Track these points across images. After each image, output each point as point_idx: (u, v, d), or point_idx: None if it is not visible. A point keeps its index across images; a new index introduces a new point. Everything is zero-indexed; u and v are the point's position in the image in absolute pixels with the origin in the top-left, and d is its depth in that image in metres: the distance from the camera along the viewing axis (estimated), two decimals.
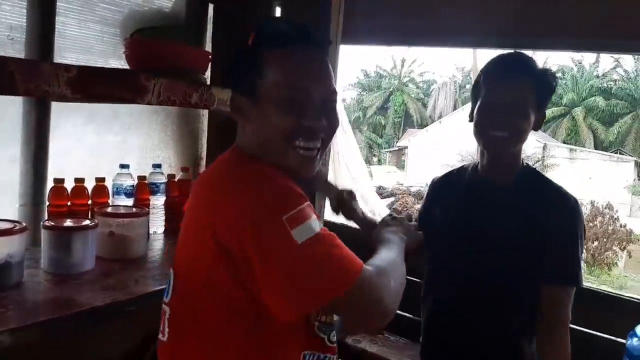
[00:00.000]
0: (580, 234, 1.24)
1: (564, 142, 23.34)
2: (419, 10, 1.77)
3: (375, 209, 2.67)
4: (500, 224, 1.24)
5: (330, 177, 2.08)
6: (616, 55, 24.72)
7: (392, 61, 31.18)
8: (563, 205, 1.24)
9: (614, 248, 11.03)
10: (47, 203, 1.41)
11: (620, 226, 11.61)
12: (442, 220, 1.33)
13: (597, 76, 26.67)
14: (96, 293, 1.14)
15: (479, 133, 1.24)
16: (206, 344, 0.82)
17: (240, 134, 0.94)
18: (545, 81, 1.24)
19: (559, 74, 27.88)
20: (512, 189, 1.26)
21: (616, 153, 22.46)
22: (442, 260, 1.32)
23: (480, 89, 1.24)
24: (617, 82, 26.12)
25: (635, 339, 1.72)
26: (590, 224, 11.64)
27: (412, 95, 29.38)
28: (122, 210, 1.42)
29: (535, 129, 1.25)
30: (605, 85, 26.11)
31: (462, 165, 1.44)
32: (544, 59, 20.84)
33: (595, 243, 11.04)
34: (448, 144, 17.37)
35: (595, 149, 23.16)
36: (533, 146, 17.60)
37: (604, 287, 2.59)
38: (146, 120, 1.76)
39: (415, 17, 1.78)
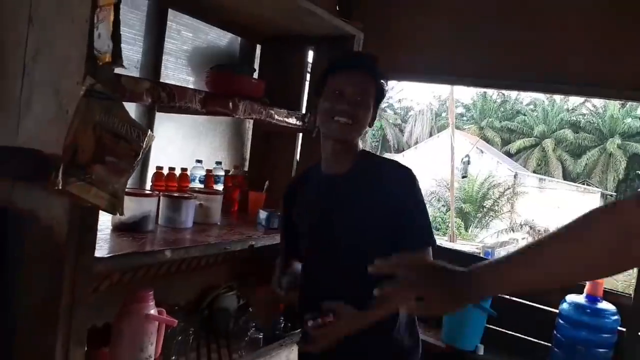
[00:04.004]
0: (421, 198, 1.38)
1: (534, 172, 24.26)
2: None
3: None
4: (348, 209, 1.38)
5: None
6: None
7: None
8: (404, 177, 1.37)
9: None
10: (150, 184, 2.00)
11: None
12: (301, 216, 1.48)
13: (567, 110, 27.93)
14: (197, 237, 1.73)
15: (326, 120, 1.37)
16: None
17: None
18: (383, 82, 1.41)
19: (531, 106, 29.32)
20: (352, 176, 1.40)
21: (583, 184, 23.56)
22: (307, 250, 1.47)
23: (327, 78, 1.39)
24: (585, 116, 27.38)
25: (565, 304, 2.37)
26: None
27: (390, 121, 30.28)
28: (206, 190, 2.03)
29: (371, 125, 1.43)
30: (575, 118, 27.30)
31: (306, 168, 1.61)
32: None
33: None
34: (423, 169, 18.17)
35: (564, 179, 24.15)
36: (504, 174, 18.48)
37: None
38: (212, 129, 2.37)
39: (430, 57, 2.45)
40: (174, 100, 1.54)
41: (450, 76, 2.83)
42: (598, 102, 27.03)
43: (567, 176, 25.28)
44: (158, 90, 1.48)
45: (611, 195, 22.72)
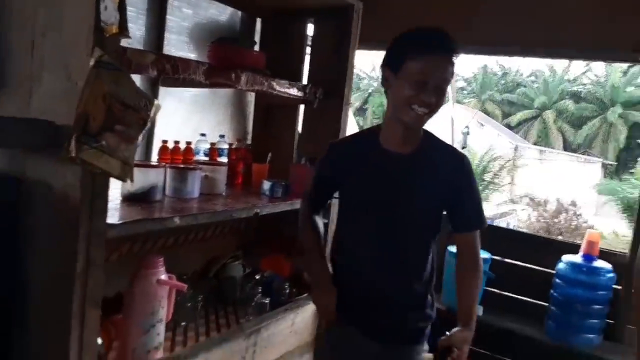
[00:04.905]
0: (476, 184, 1.51)
1: (535, 144, 24.26)
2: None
3: None
4: (415, 189, 1.43)
5: None
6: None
7: (371, 64, 31.97)
8: (461, 164, 1.46)
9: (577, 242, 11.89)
10: (157, 157, 2.05)
11: (583, 222, 12.56)
12: (357, 187, 1.48)
13: (568, 80, 27.74)
14: (204, 205, 1.78)
15: (404, 106, 1.35)
16: None
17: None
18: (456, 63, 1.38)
19: (532, 78, 29.13)
20: (417, 157, 1.44)
21: (584, 154, 23.57)
22: (361, 221, 1.48)
23: (406, 59, 1.33)
24: (586, 86, 27.20)
25: (562, 264, 2.44)
26: (555, 220, 12.56)
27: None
28: (211, 162, 2.08)
29: None
30: (576, 89, 27.13)
31: (355, 135, 1.64)
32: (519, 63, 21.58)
33: (560, 238, 11.96)
34: None
35: (564, 150, 24.17)
36: (505, 147, 18.47)
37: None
38: (214, 104, 2.41)
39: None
40: (178, 72, 1.58)
41: None
42: (599, 71, 26.88)
43: (567, 147, 25.27)
44: (163, 62, 1.52)
45: (611, 165, 22.75)
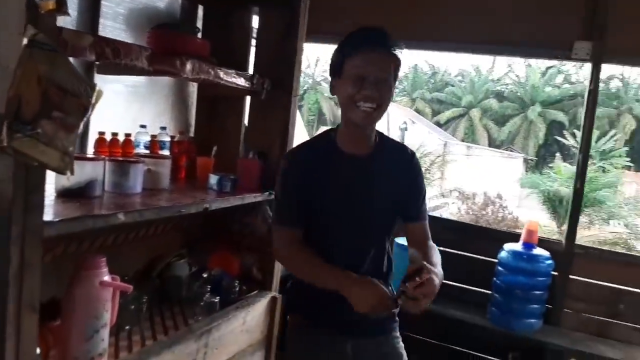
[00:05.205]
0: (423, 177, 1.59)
1: (462, 141, 25.40)
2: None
3: None
4: (373, 190, 1.47)
5: None
6: (510, 62, 27.42)
7: (306, 60, 32.02)
8: (411, 159, 1.54)
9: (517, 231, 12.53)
10: (93, 150, 1.90)
11: (509, 214, 13.26)
12: (321, 191, 1.46)
13: (492, 80, 29.26)
14: (149, 201, 1.67)
15: (349, 105, 1.38)
16: None
17: None
18: (400, 57, 1.40)
19: (459, 77, 30.40)
20: (373, 158, 1.48)
21: (507, 150, 24.93)
22: (326, 225, 1.49)
23: (345, 60, 1.37)
24: (508, 86, 28.84)
25: (504, 252, 2.52)
26: (483, 212, 13.17)
27: (326, 95, 30.40)
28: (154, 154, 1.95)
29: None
30: (499, 88, 28.72)
31: (311, 141, 1.61)
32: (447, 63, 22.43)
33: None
34: None
35: (489, 146, 25.48)
36: (435, 144, 19.15)
37: None
38: (154, 94, 2.28)
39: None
40: (119, 56, 1.46)
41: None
42: (521, 72, 28.53)
43: (492, 143, 26.68)
44: (102, 45, 1.40)
45: (532, 160, 24.20)
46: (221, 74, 1.94)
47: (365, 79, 1.35)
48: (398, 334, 1.61)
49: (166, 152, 2.18)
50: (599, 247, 3.36)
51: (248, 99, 2.39)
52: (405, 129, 16.94)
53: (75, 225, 1.31)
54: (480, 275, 2.66)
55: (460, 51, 3.10)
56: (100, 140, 1.89)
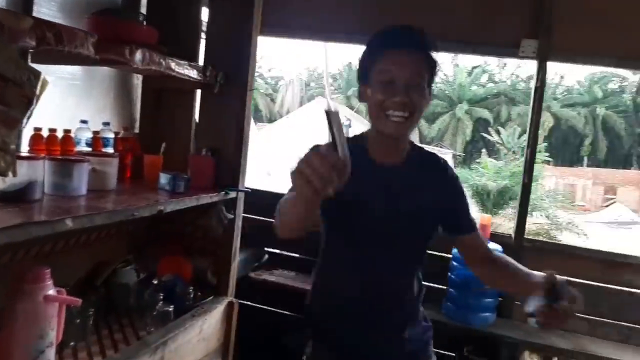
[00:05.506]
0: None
1: None
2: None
3: None
4: (414, 203, 1.31)
5: None
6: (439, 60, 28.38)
7: None
8: (446, 168, 1.40)
9: None
10: (28, 148, 1.70)
11: None
12: (347, 201, 1.23)
13: None
14: (97, 204, 1.52)
15: (379, 114, 1.23)
16: None
17: None
18: (436, 58, 1.26)
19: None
20: (410, 168, 1.33)
21: (437, 147, 25.86)
22: (351, 239, 1.33)
23: (372, 65, 1.23)
24: (437, 85, 29.92)
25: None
26: None
27: (262, 91, 30.14)
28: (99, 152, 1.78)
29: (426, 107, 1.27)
30: None
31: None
32: None
33: None
34: (295, 138, 18.37)
35: (420, 143, 26.28)
36: None
37: None
38: (95, 87, 2.08)
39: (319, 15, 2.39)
40: (62, 43, 1.30)
41: (326, 34, 2.84)
42: (449, 71, 29.62)
43: (423, 140, 27.52)
44: (43, 29, 1.23)
45: (460, 155, 25.27)
46: (173, 65, 1.80)
47: (394, 83, 1.19)
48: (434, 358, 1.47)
49: (110, 150, 2.01)
50: (545, 240, 3.50)
51: (199, 92, 2.25)
52: (349, 125, 17.07)
53: (16, 234, 1.14)
54: (435, 270, 2.67)
55: None
56: (37, 137, 1.70)
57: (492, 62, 29.22)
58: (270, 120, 27.27)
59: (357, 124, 21.72)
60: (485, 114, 27.12)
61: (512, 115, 26.55)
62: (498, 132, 23.38)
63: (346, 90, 29.61)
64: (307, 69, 32.94)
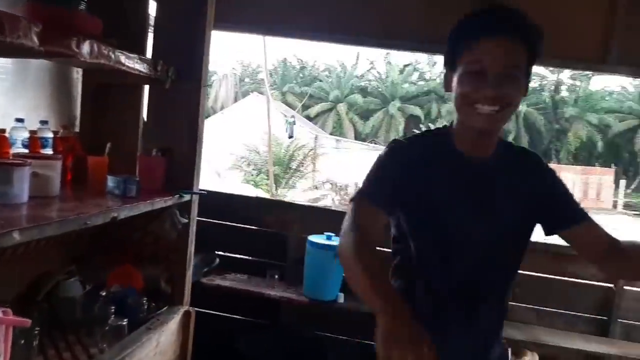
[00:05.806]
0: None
1: (331, 134, 26.29)
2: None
3: None
4: (510, 200, 1.19)
5: None
6: (372, 58, 28.95)
7: None
8: (539, 161, 1.27)
9: None
10: None
11: None
12: (436, 197, 1.17)
13: (357, 76, 30.67)
14: (42, 212, 1.37)
15: (466, 107, 1.11)
16: None
17: None
18: (538, 48, 1.11)
19: (326, 73, 31.34)
20: (501, 162, 1.21)
21: (372, 143, 26.36)
22: (442, 241, 1.18)
23: (461, 51, 1.10)
24: (371, 82, 30.49)
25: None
26: None
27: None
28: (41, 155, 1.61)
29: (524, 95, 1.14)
30: (363, 84, 30.23)
31: (423, 134, 1.32)
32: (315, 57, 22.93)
33: None
34: (230, 134, 18.07)
35: (356, 139, 26.72)
36: (306, 137, 19.55)
37: None
38: (29, 82, 1.89)
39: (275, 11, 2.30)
40: (3, 32, 1.15)
41: (285, 29, 2.78)
42: (382, 68, 30.28)
43: (358, 136, 28.02)
44: None
45: None
46: (122, 59, 1.66)
47: (484, 74, 1.06)
48: None
49: (49, 151, 1.84)
50: None
51: (146, 89, 2.10)
52: (294, 122, 16.89)
53: None
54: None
55: (351, 44, 3.11)
56: None
57: (422, 60, 30.20)
58: (206, 116, 26.59)
59: (299, 122, 21.78)
60: (417, 111, 27.96)
61: (442, 113, 27.55)
62: None
63: (281, 86, 29.50)
64: (241, 63, 32.49)
